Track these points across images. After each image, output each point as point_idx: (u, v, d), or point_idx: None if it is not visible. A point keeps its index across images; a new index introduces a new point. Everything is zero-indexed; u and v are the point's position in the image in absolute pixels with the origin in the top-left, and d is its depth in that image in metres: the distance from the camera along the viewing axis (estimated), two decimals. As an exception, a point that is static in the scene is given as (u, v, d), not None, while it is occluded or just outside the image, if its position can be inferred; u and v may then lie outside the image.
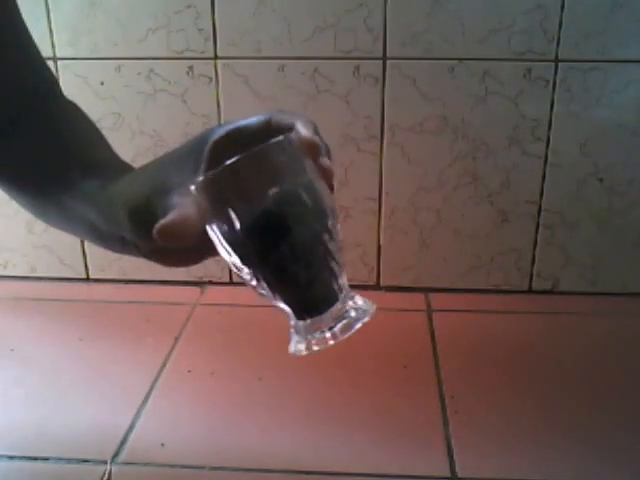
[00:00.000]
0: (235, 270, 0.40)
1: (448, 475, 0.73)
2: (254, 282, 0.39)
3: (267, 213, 0.38)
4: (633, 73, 0.96)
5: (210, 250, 0.40)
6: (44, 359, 0.95)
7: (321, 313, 0.40)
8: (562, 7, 0.94)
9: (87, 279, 1.16)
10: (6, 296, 1.12)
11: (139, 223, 0.41)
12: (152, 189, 0.41)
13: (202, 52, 1.00)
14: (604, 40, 0.95)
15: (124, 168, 0.50)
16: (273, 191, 0.38)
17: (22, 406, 0.85)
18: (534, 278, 1.09)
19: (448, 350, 0.95)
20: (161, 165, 0.44)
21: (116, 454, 0.76)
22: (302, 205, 0.38)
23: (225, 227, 0.38)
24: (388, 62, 0.99)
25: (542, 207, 1.05)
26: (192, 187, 0.38)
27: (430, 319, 1.04)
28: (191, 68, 1.01)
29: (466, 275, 1.10)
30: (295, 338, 0.42)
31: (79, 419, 0.82)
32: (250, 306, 1.06)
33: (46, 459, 0.75)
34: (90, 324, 1.04)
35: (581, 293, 1.09)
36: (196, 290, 1.13)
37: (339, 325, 0.40)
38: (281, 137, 0.38)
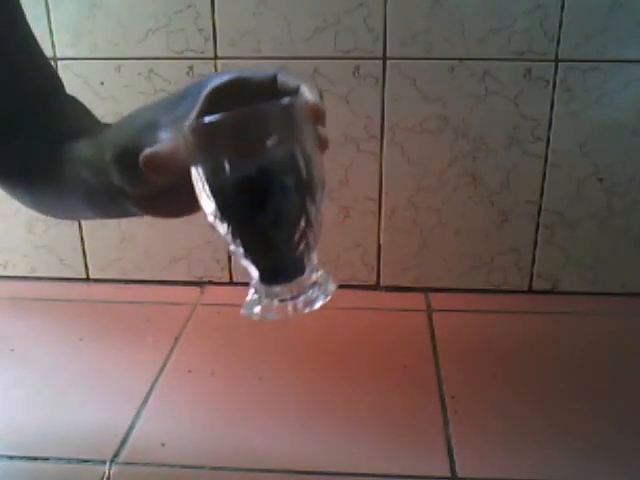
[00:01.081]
0: (210, 219, 0.39)
1: (448, 475, 0.73)
2: (228, 236, 0.39)
3: (261, 172, 0.37)
4: (633, 73, 0.96)
5: (196, 199, 0.39)
6: (44, 359, 0.95)
7: (288, 281, 0.40)
8: (562, 7, 0.94)
9: (87, 279, 1.16)
10: (6, 296, 1.12)
11: (126, 166, 0.40)
12: (140, 128, 0.41)
13: (202, 52, 1.00)
14: (604, 40, 0.95)
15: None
16: (270, 152, 0.37)
17: (22, 406, 0.85)
18: (534, 278, 1.09)
19: (448, 350, 0.95)
20: (151, 107, 0.43)
21: (116, 454, 0.76)
22: (297, 172, 0.38)
23: (212, 174, 0.37)
24: (388, 62, 0.99)
25: (542, 207, 1.05)
26: (186, 125, 0.37)
27: (430, 319, 1.04)
28: (191, 68, 1.01)
29: (466, 275, 1.10)
30: (253, 299, 0.41)
31: (79, 419, 0.82)
32: (250, 306, 1.06)
33: (46, 459, 0.75)
34: (90, 324, 1.04)
35: (581, 293, 1.09)
36: (196, 290, 1.13)
37: (302, 297, 0.40)
38: (287, 99, 0.37)
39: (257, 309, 0.40)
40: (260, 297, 0.40)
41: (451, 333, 1.00)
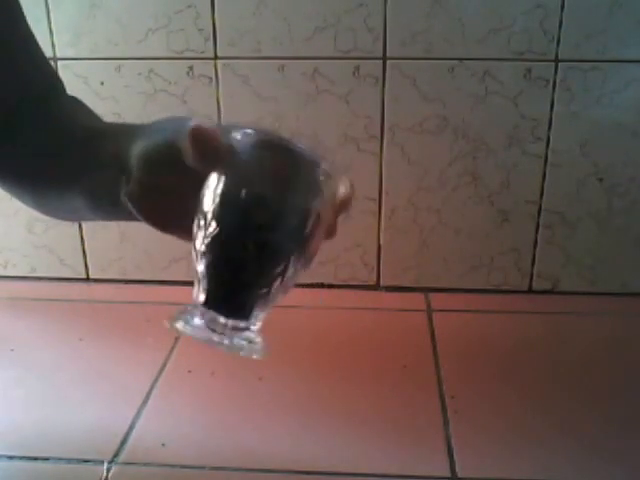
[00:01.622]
0: (195, 226, 0.39)
1: (448, 475, 0.73)
2: (203, 247, 0.39)
3: (265, 214, 0.38)
4: (633, 73, 0.96)
5: (187, 214, 0.39)
6: (44, 359, 0.95)
7: (228, 317, 0.40)
8: (562, 7, 0.94)
9: (87, 279, 1.16)
10: (6, 296, 1.12)
11: (160, 158, 0.41)
12: (171, 132, 0.41)
13: (202, 52, 1.00)
14: (604, 40, 0.95)
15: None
16: (287, 196, 0.38)
17: (22, 406, 0.85)
18: (534, 278, 1.09)
19: (448, 350, 0.95)
20: (164, 122, 0.44)
21: (116, 454, 0.76)
22: (300, 232, 0.39)
23: (228, 186, 0.38)
24: (388, 62, 0.99)
25: (542, 207, 1.05)
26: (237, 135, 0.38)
27: (430, 319, 1.04)
28: (191, 68, 1.01)
29: (466, 275, 1.10)
30: (185, 313, 0.41)
31: (79, 419, 0.82)
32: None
33: (46, 459, 0.75)
34: (90, 324, 1.04)
35: (581, 293, 1.09)
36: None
37: (229, 338, 0.40)
38: (327, 166, 0.39)
39: (180, 325, 0.41)
40: (192, 315, 0.41)
41: (451, 333, 1.00)
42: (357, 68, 0.99)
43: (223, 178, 0.38)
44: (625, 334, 1.00)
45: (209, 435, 0.79)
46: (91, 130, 0.49)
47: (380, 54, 0.98)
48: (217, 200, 0.38)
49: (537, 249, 1.08)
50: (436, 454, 0.76)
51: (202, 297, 0.40)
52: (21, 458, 0.75)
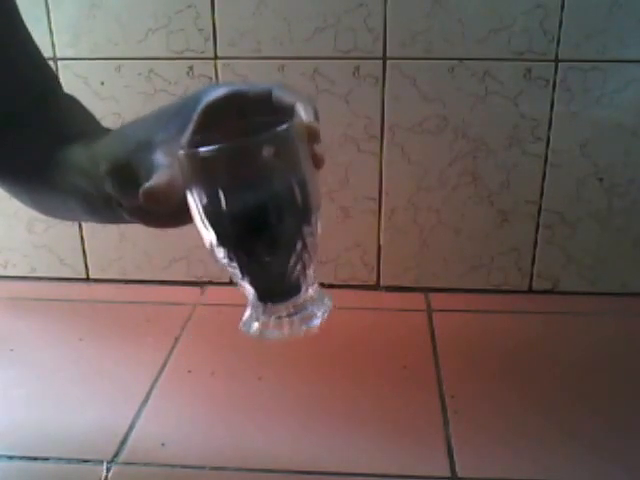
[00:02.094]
0: (207, 243, 0.39)
1: (448, 475, 0.73)
2: (225, 260, 0.39)
3: (258, 205, 0.37)
4: (633, 73, 0.96)
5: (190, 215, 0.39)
6: (44, 359, 0.95)
7: (284, 301, 0.40)
8: (562, 7, 0.94)
9: (87, 279, 1.16)
10: (6, 296, 1.12)
11: (121, 179, 0.41)
12: (135, 145, 0.41)
13: (202, 52, 1.00)
14: (604, 40, 0.95)
15: (110, 131, 0.49)
16: (267, 183, 0.37)
17: (22, 406, 0.85)
18: (534, 278, 1.09)
19: (448, 350, 0.95)
20: (147, 121, 0.43)
21: (116, 454, 0.76)
22: (293, 201, 0.37)
23: (208, 203, 0.37)
24: (388, 62, 0.99)
25: (542, 207, 1.05)
26: (181, 152, 0.37)
27: (430, 319, 1.04)
28: (191, 68, 1.01)
29: (466, 275, 1.10)
30: (250, 316, 0.41)
31: (79, 419, 0.82)
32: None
33: (46, 459, 0.75)
34: (90, 324, 1.04)
35: (581, 293, 1.09)
36: (196, 290, 1.13)
37: (299, 315, 0.40)
38: (282, 127, 0.37)
39: (255, 326, 0.40)
40: (257, 314, 0.40)
41: (451, 333, 1.00)
42: (357, 68, 0.99)
43: (197, 197, 0.37)
44: (625, 334, 1.00)
45: (209, 435, 0.79)
46: (81, 135, 0.49)
47: (380, 54, 0.98)
48: (208, 223, 0.38)
49: (537, 249, 1.08)
50: (436, 454, 0.76)
51: (255, 297, 0.40)
52: (21, 458, 0.75)
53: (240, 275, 0.40)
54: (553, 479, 0.73)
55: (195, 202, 0.38)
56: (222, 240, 0.38)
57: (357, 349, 0.96)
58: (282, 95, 0.41)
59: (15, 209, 1.11)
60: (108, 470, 0.73)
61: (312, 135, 0.39)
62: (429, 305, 1.08)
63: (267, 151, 0.36)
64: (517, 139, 1.01)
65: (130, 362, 0.93)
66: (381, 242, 1.09)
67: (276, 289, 0.40)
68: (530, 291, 1.10)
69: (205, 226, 0.38)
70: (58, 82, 0.55)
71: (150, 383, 0.88)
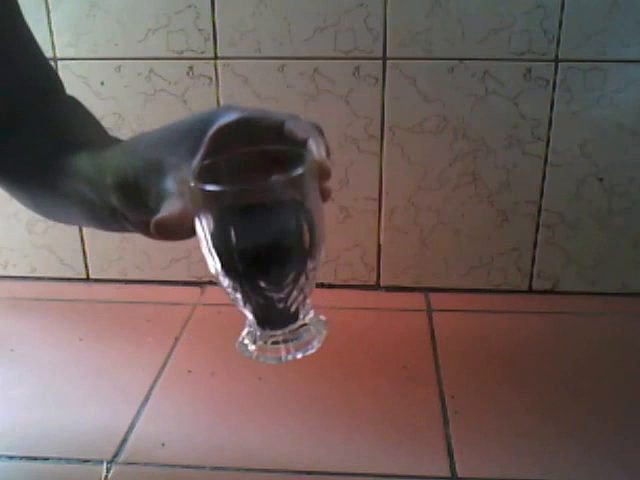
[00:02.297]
0: (212, 270, 0.39)
1: (448, 475, 0.73)
2: (229, 288, 0.40)
3: (266, 242, 0.37)
4: (633, 73, 0.96)
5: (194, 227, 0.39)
6: (44, 359, 0.95)
7: (282, 328, 0.41)
8: (562, 7, 0.94)
9: (87, 279, 1.16)
10: (6, 296, 1.13)
11: (127, 195, 0.41)
12: (144, 163, 0.41)
13: (202, 52, 1.00)
14: (604, 40, 0.95)
15: (117, 141, 0.49)
16: (276, 221, 0.37)
17: (22, 406, 0.85)
18: (534, 278, 1.09)
19: (448, 350, 0.95)
20: (157, 140, 0.42)
21: (116, 454, 0.76)
22: (301, 239, 0.38)
23: (216, 236, 0.38)
24: (388, 62, 0.99)
25: (542, 207, 1.05)
26: (191, 184, 0.37)
27: (430, 319, 1.04)
28: (191, 68, 1.01)
29: (466, 275, 1.10)
30: (248, 336, 0.42)
31: (79, 419, 0.82)
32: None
33: (46, 459, 0.75)
34: (90, 324, 1.04)
35: (581, 293, 1.09)
36: (196, 290, 1.13)
37: (295, 341, 0.41)
38: (300, 171, 0.37)
39: (251, 348, 0.42)
40: (254, 337, 0.42)
41: (451, 333, 1.00)
42: (357, 68, 0.99)
43: (207, 228, 0.38)
44: (625, 334, 1.00)
45: (209, 435, 0.79)
46: (86, 141, 0.49)
47: (380, 54, 0.98)
48: (215, 253, 0.38)
49: (537, 249, 1.08)
50: (436, 454, 0.76)
51: (254, 323, 0.41)
52: (21, 458, 0.75)
53: (242, 304, 0.40)
54: (553, 479, 0.73)
55: (203, 231, 0.38)
56: (227, 270, 0.39)
57: (357, 349, 0.96)
58: (295, 129, 0.41)
59: (15, 209, 1.11)
60: (108, 470, 0.73)
61: (324, 173, 0.39)
62: (429, 305, 1.08)
63: (279, 193, 0.37)
64: (517, 139, 1.01)
65: (130, 362, 0.93)
66: (381, 242, 1.09)
67: (276, 317, 0.41)
68: (530, 291, 1.10)
69: (211, 255, 0.39)
70: (60, 83, 0.55)
71: (150, 383, 0.88)
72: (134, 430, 0.79)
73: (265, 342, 0.41)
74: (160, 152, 0.41)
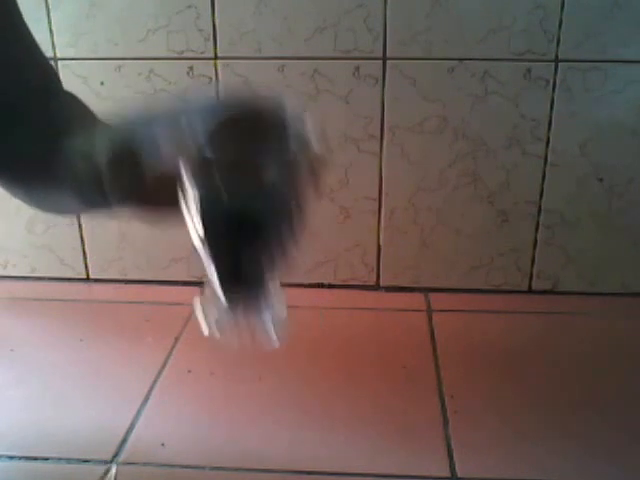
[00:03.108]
0: (193, 234, 0.40)
1: (448, 475, 0.73)
2: (204, 254, 0.40)
3: (251, 213, 0.38)
4: (633, 73, 0.96)
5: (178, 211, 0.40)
6: (44, 359, 0.95)
7: (244, 290, 0.42)
8: (562, 7, 0.94)
9: (87, 279, 1.16)
10: (6, 296, 1.12)
11: (116, 162, 0.41)
12: (139, 139, 0.41)
13: (202, 52, 1.00)
14: (604, 40, 0.95)
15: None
16: (265, 196, 0.38)
17: (22, 406, 0.85)
18: (534, 278, 1.09)
19: (448, 350, 0.95)
20: (151, 114, 0.43)
21: (116, 454, 0.76)
22: (287, 218, 0.39)
23: (203, 203, 0.38)
24: (388, 62, 0.99)
25: (542, 207, 1.05)
26: (186, 152, 0.38)
27: (430, 319, 1.04)
28: (191, 68, 1.01)
29: (466, 275, 1.10)
30: (209, 308, 0.44)
31: (79, 419, 0.82)
32: (250, 306, 1.06)
33: (46, 459, 0.75)
34: (90, 324, 1.04)
35: (581, 293, 1.09)
36: (196, 290, 1.12)
37: (257, 318, 0.42)
38: (292, 153, 0.38)
39: (210, 315, 0.43)
40: (217, 308, 0.43)
41: (451, 333, 1.00)
42: (357, 68, 0.99)
43: (195, 195, 0.39)
44: (625, 334, 1.00)
45: (209, 435, 0.79)
46: (85, 127, 0.49)
47: (380, 54, 0.98)
48: (197, 218, 0.39)
49: (537, 249, 1.08)
50: (436, 454, 0.76)
51: (217, 290, 0.42)
52: (21, 458, 0.75)
53: (211, 266, 0.41)
54: (553, 479, 0.73)
55: (188, 194, 0.39)
56: (208, 239, 0.39)
57: (357, 349, 0.96)
58: (292, 120, 0.41)
59: (15, 209, 1.11)
60: (107, 471, 0.73)
61: (318, 165, 0.39)
62: (429, 305, 1.08)
63: (270, 173, 0.38)
64: (517, 139, 1.01)
65: (130, 362, 0.93)
66: (381, 242, 1.09)
67: (242, 291, 0.42)
68: (530, 291, 1.10)
69: (194, 221, 0.39)
70: (58, 79, 0.56)
71: (150, 383, 0.88)
72: (134, 430, 0.79)
73: (225, 313, 0.42)
74: (155, 127, 0.41)
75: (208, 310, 0.44)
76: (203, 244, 0.40)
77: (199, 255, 0.41)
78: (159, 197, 0.42)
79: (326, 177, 0.40)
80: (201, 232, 0.39)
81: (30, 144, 0.51)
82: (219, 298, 0.42)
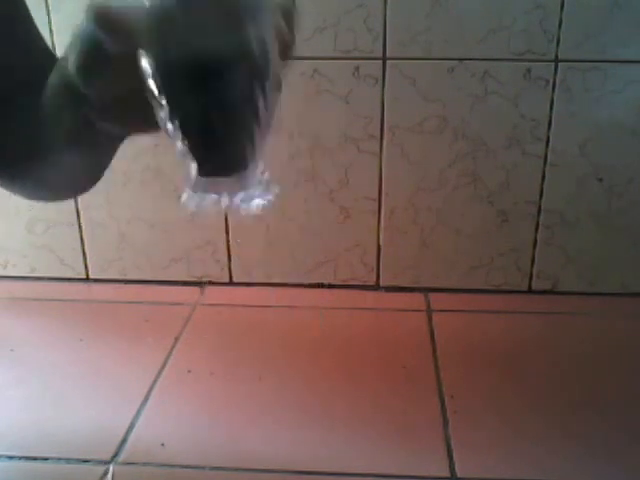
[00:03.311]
0: (158, 115, 0.36)
1: (448, 475, 0.73)
2: (170, 122, 0.36)
3: (210, 52, 0.34)
4: (633, 73, 0.96)
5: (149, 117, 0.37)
6: (44, 359, 0.95)
7: (227, 175, 0.37)
8: (562, 7, 0.94)
9: (87, 279, 1.16)
10: (6, 296, 1.12)
11: (90, 59, 0.39)
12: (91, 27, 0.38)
13: (202, 52, 1.00)
14: (604, 40, 0.95)
15: None
16: (224, 33, 0.35)
17: (22, 406, 0.85)
18: (534, 278, 1.09)
19: (448, 350, 0.95)
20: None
21: (116, 454, 0.76)
22: (249, 55, 0.35)
23: (160, 54, 0.35)
24: (388, 62, 0.99)
25: (542, 207, 1.05)
26: (140, 4, 0.34)
27: (430, 319, 1.04)
28: (191, 68, 1.01)
29: (466, 275, 1.10)
30: (190, 189, 0.38)
31: (79, 419, 0.82)
32: (250, 306, 1.06)
33: (46, 459, 0.75)
34: (90, 324, 1.04)
35: (581, 293, 1.09)
36: (196, 290, 1.13)
37: (239, 195, 0.37)
38: None
39: (192, 201, 0.38)
40: (196, 187, 0.38)
41: (451, 333, 1.00)
42: (357, 68, 0.99)
43: (151, 47, 0.35)
44: (625, 334, 1.00)
45: (209, 435, 0.79)
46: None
47: (380, 54, 0.98)
48: (157, 76, 0.35)
49: (537, 249, 1.08)
50: (436, 454, 0.76)
51: (196, 169, 0.37)
52: (21, 458, 0.75)
53: (181, 138, 0.37)
54: (553, 479, 0.73)
55: (148, 58, 0.35)
56: (166, 94, 0.36)
57: (357, 349, 0.96)
58: None
59: (15, 209, 1.11)
60: (109, 470, 0.73)
61: (288, 15, 0.37)
62: (429, 305, 1.08)
63: (229, 5, 0.34)
64: (517, 139, 1.01)
65: (130, 362, 0.93)
66: (381, 242, 1.09)
67: (219, 160, 0.37)
68: (530, 291, 1.10)
69: (156, 85, 0.35)
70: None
71: (150, 383, 0.88)
72: (134, 430, 0.79)
73: (208, 194, 0.37)
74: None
75: (189, 187, 0.39)
76: (163, 105, 0.36)
77: (163, 121, 0.36)
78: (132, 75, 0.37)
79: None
80: (158, 86, 0.35)
81: (19, 125, 0.51)
82: (200, 187, 0.38)
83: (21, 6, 0.52)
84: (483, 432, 0.79)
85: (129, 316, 1.06)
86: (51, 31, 1.01)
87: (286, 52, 0.38)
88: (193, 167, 0.37)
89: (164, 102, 0.36)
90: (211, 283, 1.14)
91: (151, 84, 0.35)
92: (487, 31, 0.96)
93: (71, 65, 0.40)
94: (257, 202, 0.38)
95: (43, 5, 0.99)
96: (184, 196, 0.37)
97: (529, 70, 0.97)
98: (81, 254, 1.14)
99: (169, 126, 0.36)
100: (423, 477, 0.73)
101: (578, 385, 0.87)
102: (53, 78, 0.46)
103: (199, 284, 1.14)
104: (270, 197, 0.38)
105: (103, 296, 1.12)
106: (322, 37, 0.98)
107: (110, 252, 1.14)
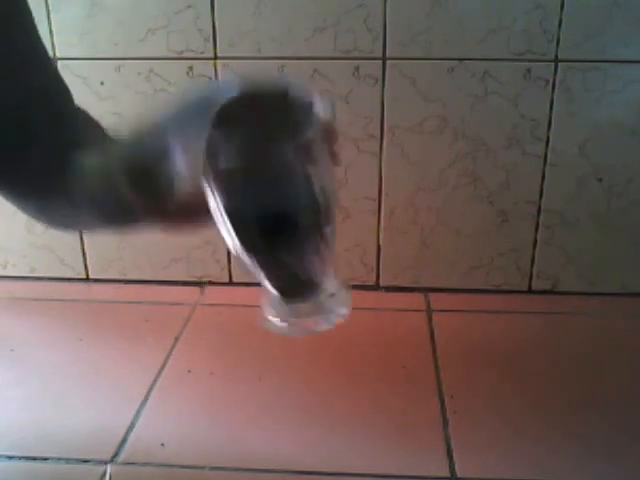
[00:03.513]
0: (232, 249, 0.39)
1: (448, 475, 0.73)
2: (250, 265, 0.39)
3: (282, 213, 0.37)
4: (633, 73, 0.96)
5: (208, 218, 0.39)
6: (44, 359, 0.95)
7: (305, 298, 0.41)
8: (562, 7, 0.94)
9: (87, 279, 1.16)
10: (6, 296, 1.12)
11: (137, 180, 0.41)
12: (152, 151, 0.41)
13: (202, 52, 1.00)
14: (604, 40, 0.95)
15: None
16: (292, 190, 0.37)
17: (22, 406, 0.85)
18: (534, 278, 1.09)
19: (448, 350, 0.95)
20: (161, 127, 0.42)
21: (116, 454, 0.76)
22: (315, 203, 0.38)
23: (231, 208, 0.37)
24: (388, 62, 0.99)
25: (542, 207, 1.05)
26: (202, 164, 0.37)
27: (430, 319, 1.04)
28: (191, 68, 1.01)
29: (466, 275, 1.10)
30: (271, 313, 0.42)
31: (79, 419, 0.82)
32: (250, 306, 1.06)
33: (45, 459, 0.75)
34: (90, 324, 1.04)
35: (581, 293, 1.09)
36: (196, 290, 1.13)
37: (321, 315, 0.41)
38: (304, 137, 0.37)
39: (280, 324, 0.41)
40: (279, 312, 0.41)
41: (451, 333, 1.00)
42: (357, 68, 0.99)
43: (221, 204, 0.38)
44: (625, 334, 1.00)
45: (209, 435, 0.79)
46: (98, 142, 0.49)
47: (380, 54, 0.98)
48: (228, 223, 0.38)
49: (537, 249, 1.08)
50: (435, 454, 0.76)
51: (277, 296, 0.41)
52: (20, 458, 0.75)
53: (264, 279, 0.40)
54: (553, 479, 0.73)
55: (218, 206, 0.38)
56: (245, 245, 0.38)
57: (357, 349, 0.96)
58: (299, 93, 0.41)
59: (15, 209, 1.10)
60: (109, 470, 0.73)
61: (331, 134, 0.39)
62: (429, 305, 1.08)
63: (290, 155, 0.37)
64: (517, 139, 1.01)
65: (130, 362, 0.93)
66: (381, 242, 1.09)
67: (298, 288, 0.41)
68: (530, 291, 1.10)
69: (229, 231, 0.38)
70: (70, 96, 0.55)
71: (150, 383, 0.88)
72: (133, 430, 0.79)
73: (292, 317, 0.40)
74: (166, 137, 0.41)
75: (274, 315, 0.42)
76: (245, 256, 0.39)
77: (244, 263, 0.39)
78: (189, 209, 0.41)
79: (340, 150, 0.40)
80: (239, 246, 0.38)
81: (43, 157, 0.51)
82: (282, 304, 0.41)
83: (23, 6, 0.52)
84: (483, 432, 0.79)
85: (129, 316, 1.06)
86: (51, 31, 1.01)
87: (336, 161, 0.41)
88: (274, 294, 0.41)
89: (245, 250, 0.38)
90: (211, 283, 1.14)
91: (220, 221, 0.38)
92: (487, 31, 0.96)
93: (123, 184, 0.41)
94: (335, 319, 0.41)
95: (43, 5, 0.99)
96: (269, 319, 0.40)
97: (529, 70, 0.97)
98: (81, 254, 1.14)
99: (248, 262, 0.39)
100: (423, 477, 0.73)
101: (578, 385, 0.87)
102: (102, 160, 0.46)
103: (199, 284, 1.14)
104: (346, 312, 0.41)
105: (103, 296, 1.12)
106: (322, 37, 0.98)
107: (110, 252, 1.14)
